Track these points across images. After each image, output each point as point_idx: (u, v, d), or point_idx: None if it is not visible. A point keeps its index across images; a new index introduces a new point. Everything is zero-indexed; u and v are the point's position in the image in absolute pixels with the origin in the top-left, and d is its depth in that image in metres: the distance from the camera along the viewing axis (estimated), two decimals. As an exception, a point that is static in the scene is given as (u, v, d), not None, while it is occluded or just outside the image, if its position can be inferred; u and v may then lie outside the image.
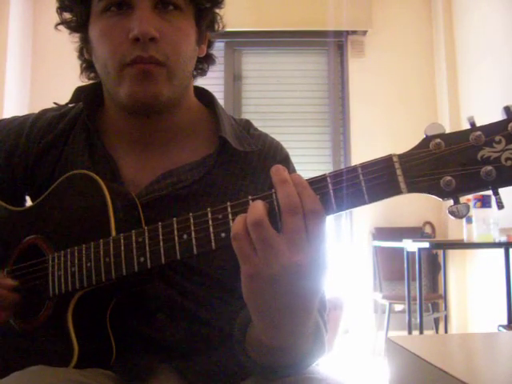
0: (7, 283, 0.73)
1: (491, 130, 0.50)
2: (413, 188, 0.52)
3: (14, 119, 0.86)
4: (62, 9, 0.80)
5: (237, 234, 0.53)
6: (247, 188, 0.79)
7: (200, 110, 0.85)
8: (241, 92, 3.87)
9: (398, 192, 0.52)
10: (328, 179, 0.54)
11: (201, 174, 0.77)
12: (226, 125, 0.81)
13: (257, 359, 0.65)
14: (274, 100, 3.87)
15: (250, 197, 0.57)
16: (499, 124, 0.50)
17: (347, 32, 3.83)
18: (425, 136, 0.53)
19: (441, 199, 0.52)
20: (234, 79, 3.85)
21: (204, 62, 0.87)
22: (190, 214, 0.60)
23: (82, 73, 0.85)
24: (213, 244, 0.58)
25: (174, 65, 0.73)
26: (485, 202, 2.50)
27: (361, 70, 3.83)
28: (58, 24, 0.81)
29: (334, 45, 3.90)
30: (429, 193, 0.52)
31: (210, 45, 0.86)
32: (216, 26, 0.84)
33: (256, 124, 0.89)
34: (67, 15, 0.79)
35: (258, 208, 0.53)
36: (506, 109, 0.49)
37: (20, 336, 0.74)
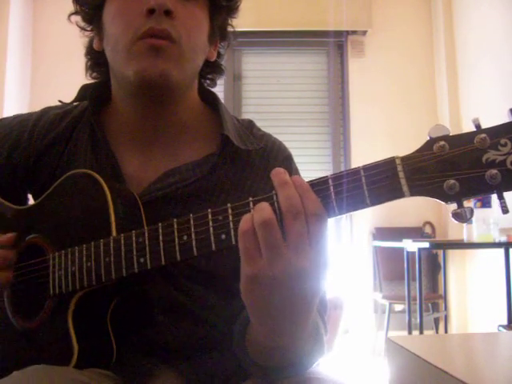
0: (3, 239, 0.73)
1: (497, 132, 0.49)
2: (415, 191, 0.51)
3: (17, 117, 0.86)
4: (77, 0, 0.80)
5: (246, 232, 0.52)
6: (249, 187, 0.79)
7: (203, 108, 0.85)
8: (241, 92, 3.88)
9: (400, 195, 0.51)
10: (330, 181, 0.54)
11: (203, 172, 0.77)
12: (229, 124, 0.81)
13: (256, 360, 0.64)
14: (274, 100, 3.87)
15: (250, 198, 0.56)
16: (505, 126, 0.49)
17: (347, 32, 3.83)
18: (429, 138, 0.52)
19: (444, 203, 0.51)
20: (234, 79, 3.86)
21: (213, 72, 0.87)
22: (191, 215, 0.59)
23: (86, 71, 0.85)
24: (213, 245, 0.57)
25: (186, 45, 0.72)
26: (485, 202, 2.50)
27: (361, 69, 3.83)
28: (73, 14, 0.81)
29: (334, 45, 3.91)
30: (432, 196, 0.51)
31: (219, 55, 0.86)
32: (226, 37, 0.85)
33: (256, 124, 0.89)
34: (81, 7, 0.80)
35: (265, 209, 0.52)
36: None
37: (20, 335, 0.74)
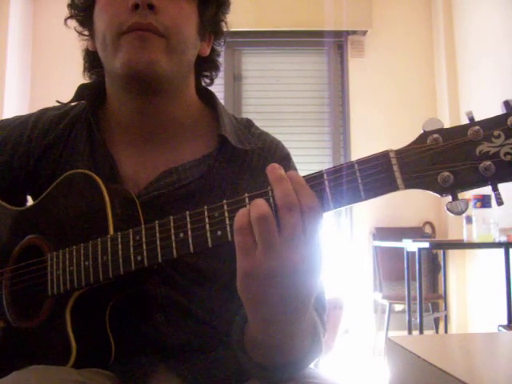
0: None
1: (490, 124, 0.49)
2: (410, 184, 0.51)
3: (15, 119, 0.86)
4: (71, 5, 0.81)
5: (241, 228, 0.53)
6: (247, 186, 0.78)
7: (201, 108, 0.85)
8: (241, 92, 3.87)
9: (394, 188, 0.52)
10: (324, 175, 0.54)
11: (201, 172, 0.77)
12: (227, 123, 0.81)
13: (255, 358, 0.64)
14: (274, 100, 3.87)
15: (246, 194, 0.56)
16: (498, 118, 0.49)
17: (347, 32, 3.83)
18: (422, 131, 0.52)
19: (439, 195, 0.51)
20: (234, 79, 3.85)
21: (208, 69, 0.87)
22: (187, 213, 0.59)
23: (84, 72, 0.85)
24: (209, 242, 0.58)
25: (173, 38, 0.72)
26: (485, 202, 2.50)
27: (361, 69, 3.83)
28: (68, 18, 0.82)
29: (334, 45, 3.91)
30: (426, 189, 0.51)
31: (214, 51, 0.86)
32: (220, 34, 0.85)
33: (256, 124, 0.88)
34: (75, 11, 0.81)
35: (261, 204, 0.53)
36: (506, 103, 0.49)
37: (19, 335, 0.74)
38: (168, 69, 0.72)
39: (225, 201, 0.57)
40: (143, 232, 0.63)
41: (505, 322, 2.61)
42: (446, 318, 3.61)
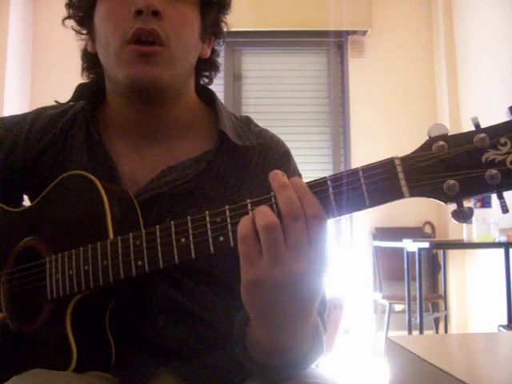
0: None
1: (496, 131, 0.48)
2: (415, 192, 0.51)
3: (12, 117, 0.86)
4: (69, 5, 0.80)
5: (246, 237, 0.52)
6: (247, 183, 0.78)
7: (200, 106, 0.85)
8: (241, 92, 3.87)
9: (400, 196, 0.51)
10: (328, 182, 0.53)
11: (200, 169, 0.77)
12: (226, 120, 0.81)
13: (256, 359, 0.64)
14: (274, 100, 3.87)
15: (248, 200, 0.56)
16: (504, 125, 0.48)
17: (347, 32, 3.83)
18: (428, 137, 0.51)
19: (443, 203, 0.51)
20: (234, 79, 3.85)
21: (208, 69, 0.87)
22: (188, 217, 0.59)
23: (82, 72, 0.85)
24: (211, 248, 0.57)
25: (175, 47, 0.72)
26: (485, 202, 2.51)
27: (361, 69, 3.83)
28: (66, 18, 0.81)
29: (334, 45, 3.90)
30: (431, 197, 0.50)
31: (214, 52, 0.86)
32: (220, 34, 0.85)
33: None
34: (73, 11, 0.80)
35: (267, 212, 0.52)
36: (511, 109, 0.48)
37: (18, 339, 0.73)
38: (171, 80, 0.73)
39: (227, 206, 0.57)
40: (144, 237, 0.62)
41: (505, 322, 2.61)
42: (446, 317, 3.61)
